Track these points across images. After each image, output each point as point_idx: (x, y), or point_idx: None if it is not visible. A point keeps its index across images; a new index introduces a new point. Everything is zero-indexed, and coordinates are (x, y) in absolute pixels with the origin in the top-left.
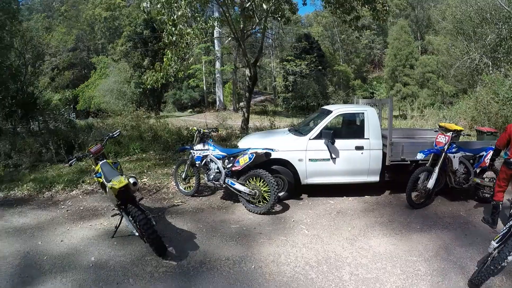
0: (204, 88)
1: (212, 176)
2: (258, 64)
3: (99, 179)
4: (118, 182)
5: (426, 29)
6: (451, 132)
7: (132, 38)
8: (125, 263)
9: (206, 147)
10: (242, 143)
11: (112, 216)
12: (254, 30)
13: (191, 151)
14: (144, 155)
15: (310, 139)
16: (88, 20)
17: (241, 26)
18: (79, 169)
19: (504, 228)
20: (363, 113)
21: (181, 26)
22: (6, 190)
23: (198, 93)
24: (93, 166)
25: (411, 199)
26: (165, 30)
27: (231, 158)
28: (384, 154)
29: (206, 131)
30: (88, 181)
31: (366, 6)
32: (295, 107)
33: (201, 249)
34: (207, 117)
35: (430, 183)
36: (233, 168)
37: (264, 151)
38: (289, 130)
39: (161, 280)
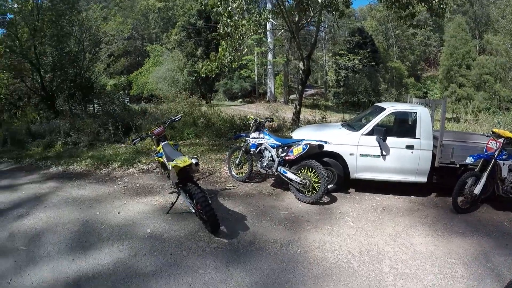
0: (256, 79)
1: (265, 164)
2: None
3: (159, 158)
4: (183, 161)
5: (485, 27)
6: (503, 139)
7: (186, 28)
8: (179, 237)
9: (262, 135)
10: (296, 134)
11: (170, 193)
12: (307, 24)
13: (247, 138)
14: (197, 140)
15: (362, 134)
16: (142, 10)
17: (296, 18)
18: (135, 150)
19: None
20: (416, 112)
21: (236, 17)
22: (66, 164)
23: (249, 84)
24: (154, 147)
25: (457, 204)
26: (220, 21)
27: (285, 148)
28: (433, 155)
29: (262, 120)
30: (144, 161)
31: (422, 3)
32: (345, 102)
33: (251, 230)
34: (258, 108)
35: (477, 189)
36: (287, 157)
37: (318, 143)
38: (341, 125)
39: (212, 254)
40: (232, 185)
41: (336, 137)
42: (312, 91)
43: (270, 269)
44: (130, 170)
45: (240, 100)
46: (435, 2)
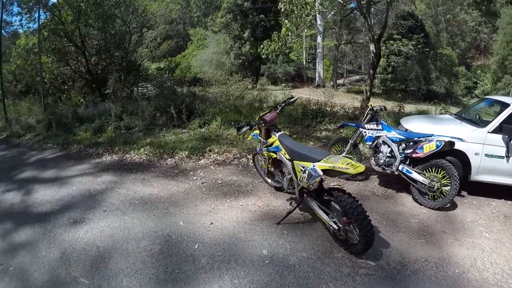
0: (304, 62)
1: (382, 161)
2: (351, 41)
3: (272, 154)
4: (351, 166)
5: None
6: None
7: (232, 10)
8: (312, 261)
9: (380, 127)
10: (408, 125)
11: (289, 200)
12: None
13: (360, 129)
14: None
15: (488, 132)
16: None
17: None
18: (201, 136)
19: None
20: None
21: None
22: (121, 152)
23: (292, 68)
24: (260, 138)
25: None
26: None
27: (411, 143)
28: None
29: (378, 108)
30: (217, 150)
31: None
32: (393, 90)
33: (392, 247)
34: (309, 93)
35: None
36: (414, 155)
37: (449, 139)
38: (456, 118)
39: (365, 285)
40: (336, 183)
41: (461, 133)
42: (357, 77)
43: None
44: (202, 161)
45: (283, 85)
46: None
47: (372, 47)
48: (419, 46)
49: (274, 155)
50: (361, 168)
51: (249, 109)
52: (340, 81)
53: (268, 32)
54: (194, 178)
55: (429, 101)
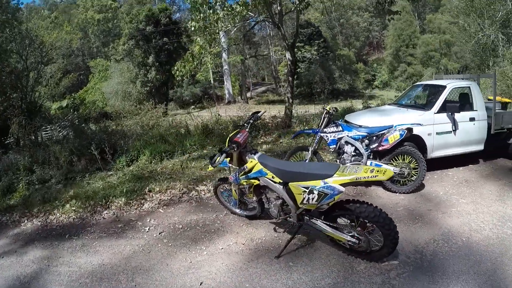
0: (212, 81)
1: (348, 160)
2: (256, 54)
3: (253, 181)
4: (379, 172)
5: (423, 8)
6: None
7: (134, 36)
8: (340, 285)
9: (340, 128)
10: (358, 121)
11: (276, 227)
12: (292, 11)
13: (319, 135)
14: (205, 151)
15: (435, 113)
16: (80, 24)
17: (278, 8)
18: (133, 176)
19: None
20: (469, 87)
21: (217, 7)
22: (42, 214)
23: (199, 89)
24: (229, 165)
25: None
26: (193, 15)
27: (373, 138)
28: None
29: (332, 110)
30: (157, 188)
31: None
32: (299, 94)
33: (399, 240)
34: (226, 110)
35: None
36: (381, 148)
37: (407, 126)
38: (399, 107)
39: (405, 285)
40: None
41: (411, 119)
42: (263, 88)
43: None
44: (146, 205)
45: (192, 107)
46: None
47: (288, 55)
48: (320, 51)
49: (257, 182)
50: (389, 171)
51: (175, 136)
52: (247, 95)
53: (173, 55)
54: (147, 229)
55: (335, 99)
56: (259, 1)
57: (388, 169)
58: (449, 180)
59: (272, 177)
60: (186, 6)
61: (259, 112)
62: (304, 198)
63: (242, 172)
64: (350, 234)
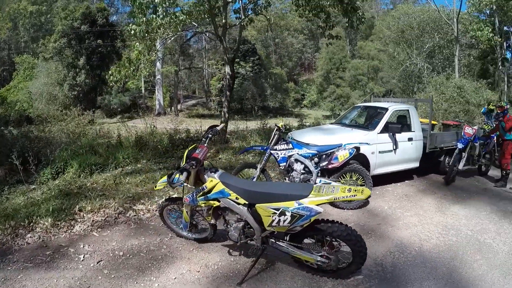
0: (143, 91)
1: (298, 179)
2: (190, 66)
3: (213, 202)
4: (357, 192)
5: (355, 35)
6: (477, 126)
7: (67, 34)
8: None
9: (290, 146)
10: (304, 139)
11: (232, 250)
12: (236, 25)
13: (269, 152)
14: (139, 165)
15: (377, 133)
16: (11, 14)
17: (223, 21)
18: (60, 191)
19: None
20: (408, 110)
21: (160, 12)
22: None
23: (128, 98)
24: (185, 184)
25: (449, 178)
26: (135, 18)
27: (323, 156)
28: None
29: (281, 128)
30: (90, 208)
31: (345, 18)
32: (230, 110)
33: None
34: (157, 122)
35: (461, 165)
36: (330, 166)
37: (355, 145)
38: (342, 126)
39: None
40: None
41: (357, 139)
42: (193, 102)
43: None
44: (77, 227)
45: (119, 116)
46: (356, 17)
47: (227, 69)
48: (254, 68)
49: (217, 203)
50: (367, 190)
51: (106, 147)
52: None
53: (105, 59)
54: (81, 257)
55: (265, 116)
56: (204, 11)
57: (366, 188)
58: (391, 195)
59: (236, 198)
60: (124, 9)
61: (217, 125)
62: (273, 221)
63: (201, 193)
64: (319, 254)
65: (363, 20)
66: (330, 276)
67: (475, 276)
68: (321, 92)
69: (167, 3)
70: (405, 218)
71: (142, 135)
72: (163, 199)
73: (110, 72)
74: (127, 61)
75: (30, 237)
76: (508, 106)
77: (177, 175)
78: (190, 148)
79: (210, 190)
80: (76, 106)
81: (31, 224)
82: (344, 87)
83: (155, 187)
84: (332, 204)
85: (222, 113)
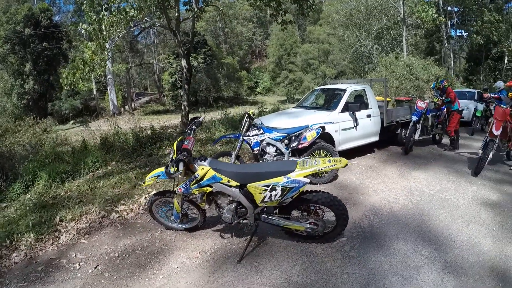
0: (95, 92)
1: (271, 160)
2: (141, 63)
3: (207, 188)
4: (336, 161)
5: (303, 20)
6: (428, 100)
7: (10, 39)
8: (315, 272)
9: (261, 131)
10: (272, 123)
11: (223, 233)
12: (190, 18)
13: (242, 139)
14: (109, 168)
15: (339, 112)
16: None
17: (176, 14)
18: (34, 204)
19: (483, 142)
20: (364, 89)
21: (113, 9)
22: None
23: (79, 101)
24: (178, 175)
25: (407, 148)
26: (86, 16)
27: (293, 138)
28: (380, 120)
29: (252, 115)
30: (71, 216)
31: (294, 4)
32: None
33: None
34: (114, 123)
35: (417, 135)
36: (300, 146)
37: (320, 125)
38: (306, 109)
39: (362, 255)
40: None
41: (321, 119)
42: (146, 98)
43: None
44: (64, 237)
45: (72, 121)
46: (307, 5)
47: (183, 62)
48: (206, 59)
49: (209, 189)
50: (344, 160)
51: (72, 154)
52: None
53: (52, 63)
54: (77, 266)
55: (222, 107)
56: (156, 5)
57: (342, 158)
58: (357, 168)
59: (228, 181)
60: (67, 8)
61: (199, 117)
62: (265, 196)
63: (194, 181)
64: (307, 222)
65: (313, 7)
66: (318, 241)
67: (442, 227)
68: (274, 78)
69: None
70: (373, 186)
71: (106, 137)
72: (151, 194)
73: (64, 75)
74: (81, 62)
75: (16, 256)
76: (444, 83)
77: (173, 168)
78: (178, 140)
79: (202, 178)
80: (27, 116)
81: (13, 243)
82: (296, 72)
83: (144, 183)
84: (311, 183)
85: (182, 107)
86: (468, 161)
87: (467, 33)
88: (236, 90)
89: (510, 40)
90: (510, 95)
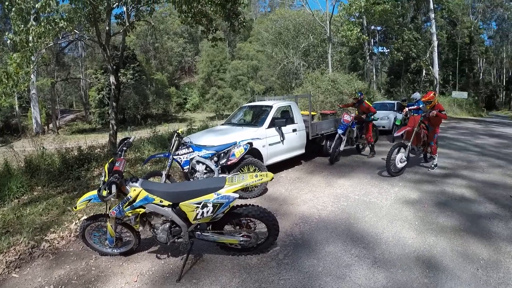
0: (17, 108)
1: (202, 178)
2: (68, 77)
3: (140, 209)
4: (262, 175)
5: (233, 37)
6: (353, 113)
7: None
8: (253, 283)
9: (191, 149)
10: (201, 141)
11: (159, 254)
12: (120, 32)
13: (172, 158)
14: (35, 193)
15: (266, 128)
16: None
17: (107, 28)
18: None
19: (392, 149)
20: (290, 105)
21: (43, 18)
22: None
23: None
24: (111, 197)
25: (332, 158)
26: (14, 26)
27: (222, 155)
28: (306, 133)
29: (181, 133)
30: (25, 236)
31: (226, 21)
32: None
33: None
34: (38, 144)
35: (342, 146)
36: (229, 162)
37: (248, 141)
38: (234, 126)
39: (295, 262)
40: None
41: (250, 135)
42: (72, 116)
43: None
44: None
45: None
46: (238, 22)
47: (112, 79)
48: (135, 75)
49: (143, 210)
50: (270, 174)
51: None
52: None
53: None
54: None
55: (151, 124)
56: (87, 18)
57: (268, 173)
58: (285, 180)
59: (160, 201)
60: None
61: (129, 138)
62: (197, 214)
63: (127, 203)
64: (240, 235)
65: (244, 24)
66: (253, 253)
67: (368, 227)
68: (203, 94)
69: (48, 9)
70: (302, 196)
71: (31, 159)
72: (83, 219)
73: None
74: (4, 76)
75: None
76: (362, 97)
77: (106, 191)
78: (109, 162)
79: (135, 199)
80: None
81: None
82: (225, 88)
83: (75, 207)
84: (241, 197)
85: (110, 125)
86: None
87: (388, 50)
88: (165, 107)
89: (427, 55)
90: (428, 107)
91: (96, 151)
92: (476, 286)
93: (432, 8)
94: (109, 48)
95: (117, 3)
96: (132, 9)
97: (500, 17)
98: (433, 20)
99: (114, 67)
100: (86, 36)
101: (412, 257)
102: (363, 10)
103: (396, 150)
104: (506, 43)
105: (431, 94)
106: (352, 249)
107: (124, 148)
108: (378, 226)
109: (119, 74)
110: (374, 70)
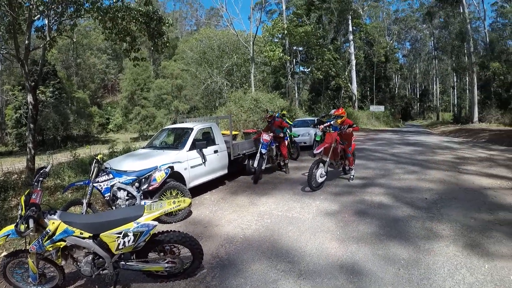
0: None
1: (124, 205)
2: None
3: (61, 243)
4: (180, 202)
5: (158, 55)
6: (272, 133)
7: None
8: None
9: (111, 176)
10: (122, 167)
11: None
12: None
13: (93, 185)
14: None
15: (187, 151)
16: None
17: (26, 42)
18: None
19: (312, 166)
20: (211, 127)
21: None
22: None
23: None
24: (29, 232)
25: (256, 177)
26: None
27: (143, 180)
28: (228, 153)
29: (100, 160)
30: None
31: (149, 41)
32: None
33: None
34: None
35: (264, 165)
36: (151, 187)
37: (169, 165)
38: (154, 149)
39: (223, 282)
40: None
41: (171, 158)
42: None
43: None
44: None
45: None
46: (161, 42)
47: (29, 98)
48: (55, 93)
49: (63, 244)
50: (187, 199)
51: None
52: None
53: None
54: None
55: (73, 147)
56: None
57: (186, 198)
58: (209, 202)
59: (81, 233)
60: None
61: (45, 167)
62: (119, 244)
63: (46, 237)
64: (165, 262)
65: (167, 44)
66: (181, 278)
67: (292, 241)
68: (127, 114)
69: None
70: (226, 216)
71: None
72: (3, 256)
73: None
74: None
75: None
76: (275, 114)
77: (23, 225)
78: (25, 194)
79: (54, 232)
80: None
81: None
82: (149, 107)
83: None
84: (160, 220)
85: (28, 149)
86: None
87: (309, 69)
88: (87, 128)
89: (346, 73)
90: (339, 122)
91: (13, 177)
92: (399, 285)
93: (351, 30)
94: (28, 63)
95: (38, 15)
96: (55, 23)
97: (414, 38)
98: (352, 41)
99: (33, 83)
100: (4, 49)
101: (336, 266)
102: (285, 32)
103: (315, 166)
104: (419, 60)
105: (341, 110)
106: (278, 264)
107: (41, 178)
108: (301, 240)
109: (37, 92)
110: (296, 88)
